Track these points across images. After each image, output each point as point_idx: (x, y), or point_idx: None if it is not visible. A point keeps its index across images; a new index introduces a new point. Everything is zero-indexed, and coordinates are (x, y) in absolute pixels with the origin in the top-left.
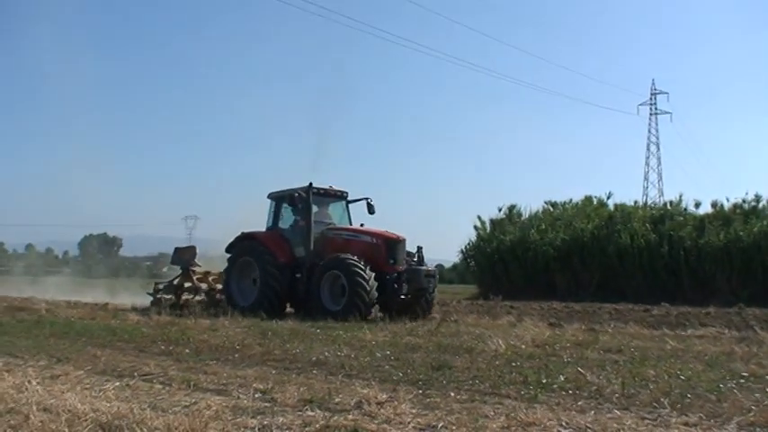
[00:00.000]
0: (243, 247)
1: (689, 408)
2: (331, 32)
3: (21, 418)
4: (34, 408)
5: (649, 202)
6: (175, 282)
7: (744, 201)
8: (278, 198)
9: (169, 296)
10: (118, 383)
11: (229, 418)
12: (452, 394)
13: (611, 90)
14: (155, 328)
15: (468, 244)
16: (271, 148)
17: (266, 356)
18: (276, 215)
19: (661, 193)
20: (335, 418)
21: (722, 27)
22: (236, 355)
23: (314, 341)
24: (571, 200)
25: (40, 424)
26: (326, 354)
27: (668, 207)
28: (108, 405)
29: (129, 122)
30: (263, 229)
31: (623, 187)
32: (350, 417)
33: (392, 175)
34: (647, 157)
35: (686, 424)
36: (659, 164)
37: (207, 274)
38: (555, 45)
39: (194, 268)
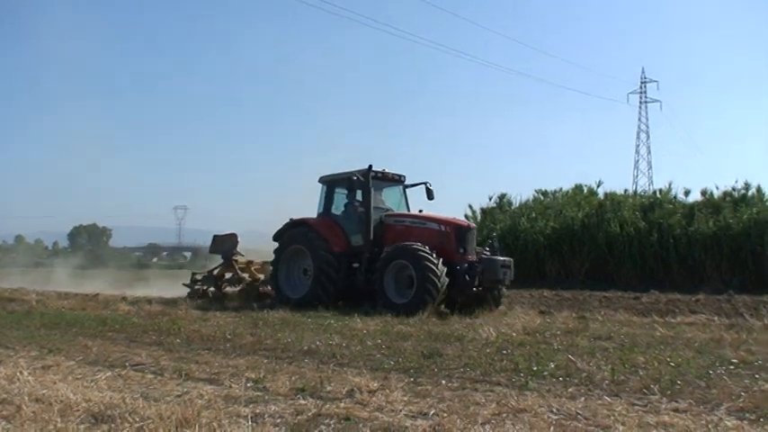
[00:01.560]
0: (293, 234)
1: (678, 394)
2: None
3: (13, 409)
4: (26, 398)
5: (639, 190)
6: (215, 272)
7: (733, 189)
8: (331, 182)
9: (209, 287)
10: (109, 373)
11: (221, 406)
12: (444, 382)
13: (601, 79)
14: (145, 318)
15: None
16: (259, 140)
17: (257, 346)
18: (328, 200)
19: (651, 181)
20: (327, 406)
21: (712, 16)
22: (228, 345)
23: (305, 330)
24: (561, 188)
25: (32, 414)
26: (318, 343)
27: (658, 195)
28: (100, 395)
29: (116, 113)
30: (312, 216)
31: (613, 175)
32: (342, 405)
33: (382, 162)
34: (637, 146)
35: (676, 410)
36: (649, 152)
37: (250, 263)
38: (546, 34)
39: (236, 257)
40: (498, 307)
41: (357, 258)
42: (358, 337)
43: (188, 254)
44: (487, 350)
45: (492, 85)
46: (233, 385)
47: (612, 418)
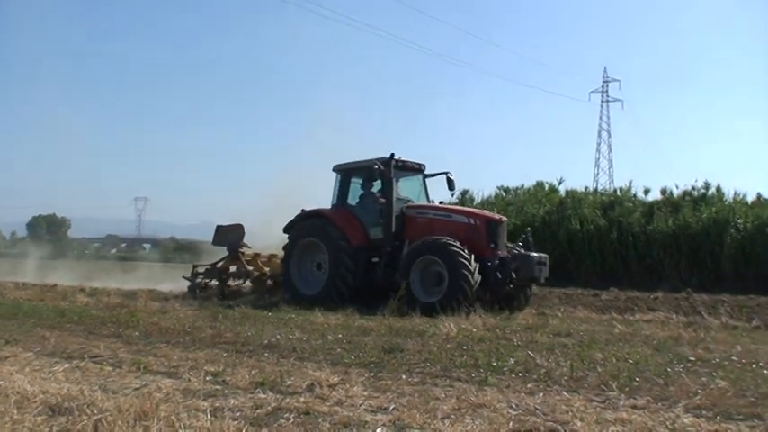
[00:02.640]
0: (306, 226)
1: (636, 391)
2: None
3: None
4: None
5: (600, 188)
6: (219, 265)
7: (693, 188)
8: (347, 171)
9: (212, 281)
10: (67, 365)
11: (180, 400)
12: (404, 377)
13: (564, 77)
14: (104, 310)
15: None
16: (224, 132)
17: (217, 339)
18: (343, 191)
19: (611, 179)
20: (287, 400)
21: (674, 17)
22: (187, 338)
23: (265, 324)
24: (523, 185)
25: None
26: (278, 337)
27: (618, 193)
28: (58, 387)
29: (75, 100)
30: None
31: (575, 173)
32: (301, 399)
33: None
34: (599, 144)
35: (634, 407)
36: (610, 150)
37: (257, 256)
38: (509, 31)
39: (243, 250)
40: (527, 306)
41: (376, 253)
42: (319, 331)
43: (147, 246)
44: (448, 345)
45: (454, 80)
46: (192, 378)
47: (571, 413)
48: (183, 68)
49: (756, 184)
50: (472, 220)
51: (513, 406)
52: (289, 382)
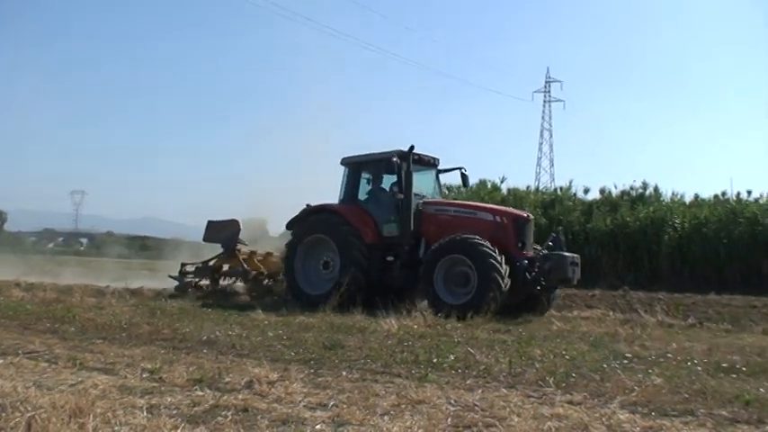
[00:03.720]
0: (312, 222)
1: (573, 387)
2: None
3: None
4: None
5: (541, 186)
6: (212, 263)
7: (631, 188)
8: (358, 164)
9: (201, 280)
10: (1, 361)
11: (116, 397)
12: (344, 373)
13: (508, 77)
14: (39, 305)
15: None
16: (163, 128)
17: (154, 336)
18: (354, 185)
19: (552, 178)
20: (225, 397)
21: (616, 20)
22: (124, 334)
23: (204, 320)
24: None
25: None
26: (217, 333)
27: (559, 192)
28: None
29: (7, 90)
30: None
31: (517, 172)
32: (240, 396)
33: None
34: (540, 143)
35: (570, 402)
36: (551, 150)
37: (253, 254)
38: (454, 31)
39: (240, 247)
40: (550, 309)
41: (390, 251)
42: (259, 327)
43: (84, 240)
44: (389, 342)
45: (397, 78)
46: (128, 375)
47: (508, 409)
48: (121, 59)
49: (694, 184)
50: (499, 218)
51: (452, 402)
52: (227, 379)
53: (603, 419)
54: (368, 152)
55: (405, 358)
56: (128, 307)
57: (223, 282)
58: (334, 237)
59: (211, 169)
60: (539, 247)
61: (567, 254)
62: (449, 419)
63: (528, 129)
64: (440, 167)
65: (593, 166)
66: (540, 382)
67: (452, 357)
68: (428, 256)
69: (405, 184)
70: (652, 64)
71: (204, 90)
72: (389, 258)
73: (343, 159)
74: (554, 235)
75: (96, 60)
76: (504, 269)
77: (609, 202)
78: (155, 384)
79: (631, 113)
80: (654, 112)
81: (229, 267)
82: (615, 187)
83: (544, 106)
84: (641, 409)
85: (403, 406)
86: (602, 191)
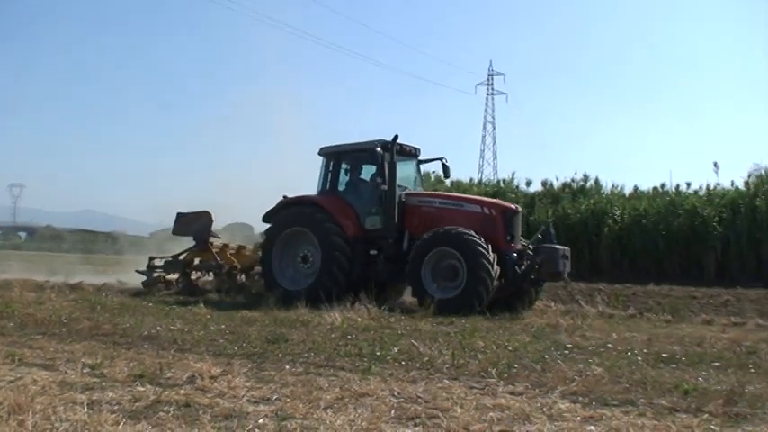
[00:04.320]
0: (291, 214)
1: (515, 377)
2: None
3: None
4: None
5: (484, 179)
6: (182, 257)
7: (572, 180)
8: (338, 154)
9: (173, 275)
10: None
11: (57, 393)
12: (287, 367)
13: (452, 69)
14: None
15: None
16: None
17: (95, 331)
18: (334, 176)
19: (495, 170)
20: (167, 392)
21: (558, 14)
22: (64, 330)
23: (145, 315)
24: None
25: None
26: (158, 328)
27: (501, 185)
28: None
29: None
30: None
31: (460, 164)
32: (182, 391)
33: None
34: (483, 136)
35: (512, 393)
36: (494, 142)
37: (225, 247)
38: (398, 23)
39: (212, 240)
40: (534, 304)
41: (373, 245)
42: (201, 322)
43: (23, 234)
44: (332, 335)
45: (342, 71)
46: (69, 371)
47: (451, 400)
48: (62, 45)
49: (633, 176)
50: (487, 210)
51: (396, 394)
52: (169, 375)
53: (545, 409)
54: (343, 143)
55: (348, 351)
56: (68, 302)
57: (200, 275)
58: (315, 230)
59: (154, 162)
60: (525, 241)
61: (558, 246)
62: (392, 411)
63: (471, 121)
64: (420, 158)
65: (536, 159)
66: (483, 374)
67: (396, 350)
68: (415, 249)
69: (389, 175)
70: (593, 58)
71: (145, 82)
72: (372, 252)
73: (322, 149)
74: (544, 227)
75: (36, 46)
76: (494, 262)
77: (551, 195)
78: (95, 380)
79: (573, 107)
80: (594, 106)
81: (202, 261)
82: (557, 180)
83: (487, 99)
84: (582, 398)
85: (346, 399)
86: (544, 183)
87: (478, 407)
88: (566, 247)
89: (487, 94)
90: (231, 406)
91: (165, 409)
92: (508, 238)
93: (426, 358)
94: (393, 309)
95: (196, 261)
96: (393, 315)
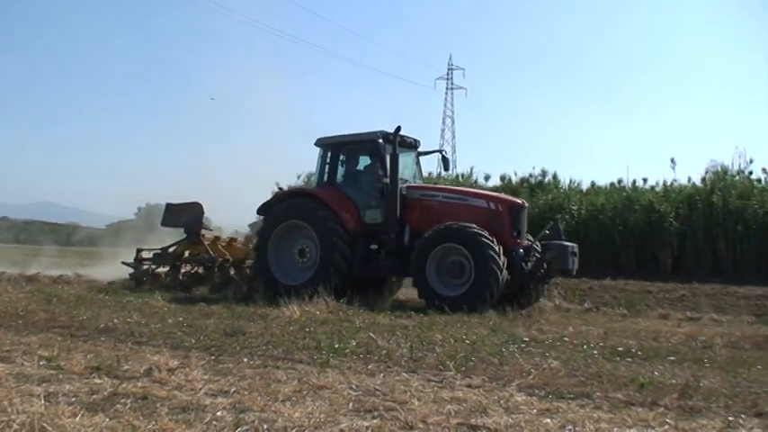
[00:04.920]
0: (288, 207)
1: (472, 370)
2: None
3: None
4: None
5: (443, 173)
6: (171, 249)
7: (531, 175)
8: (337, 145)
9: (159, 268)
10: None
11: (13, 385)
12: (245, 360)
13: (412, 63)
14: None
15: None
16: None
17: (51, 323)
18: (332, 168)
19: (454, 165)
20: (124, 385)
21: (518, 10)
22: (20, 322)
23: (102, 307)
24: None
25: None
26: (115, 321)
27: (460, 179)
28: None
29: None
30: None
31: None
32: (139, 384)
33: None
34: (443, 130)
35: (469, 386)
36: (454, 137)
37: (216, 239)
38: (358, 16)
39: (204, 232)
40: (537, 301)
41: (373, 239)
42: (158, 314)
43: None
44: (291, 328)
45: (300, 63)
46: (25, 363)
47: (409, 393)
48: (25, 36)
49: (591, 172)
50: (493, 205)
51: (354, 387)
52: (126, 367)
53: (501, 402)
54: (341, 133)
55: (307, 344)
56: (24, 294)
57: (191, 269)
58: (313, 223)
59: (111, 155)
60: (530, 237)
61: (567, 243)
62: (350, 404)
63: (431, 116)
64: (420, 150)
65: (494, 154)
66: (441, 367)
67: (354, 343)
68: (420, 244)
69: (391, 168)
70: (551, 54)
71: (102, 76)
72: (373, 247)
73: (319, 140)
74: (551, 223)
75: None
76: (503, 259)
77: (509, 189)
78: (52, 372)
79: (532, 102)
80: (553, 102)
81: (194, 254)
82: (515, 174)
83: (447, 93)
84: (538, 391)
85: (304, 392)
86: (502, 178)
87: (436, 399)
88: (574, 244)
89: (447, 89)
90: (189, 399)
91: (122, 401)
92: (514, 233)
93: (384, 351)
94: (351, 302)
95: (187, 253)
96: (351, 308)
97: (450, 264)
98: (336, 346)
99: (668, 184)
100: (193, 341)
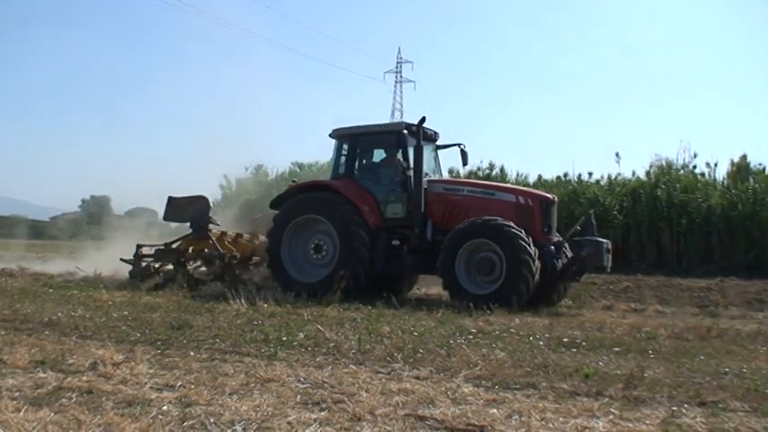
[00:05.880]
0: (305, 200)
1: (420, 362)
2: None
3: None
4: None
5: (461, 169)
6: (176, 245)
7: (479, 168)
8: (356, 136)
9: (165, 265)
10: None
11: None
12: (192, 353)
13: (361, 56)
14: None
15: (214, 202)
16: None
17: None
18: (350, 160)
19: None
20: (69, 379)
21: (469, 4)
22: None
23: (46, 301)
24: (317, 162)
25: None
26: (60, 314)
27: None
28: None
29: None
30: None
31: None
32: (84, 378)
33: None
34: None
35: (417, 377)
36: None
37: (223, 235)
38: (308, 7)
39: (211, 227)
40: (562, 299)
41: (395, 235)
42: (103, 308)
43: None
44: (238, 321)
45: (246, 54)
46: None
47: (357, 385)
48: None
49: (537, 165)
50: (522, 199)
51: (302, 379)
52: (71, 361)
53: (449, 393)
54: (359, 124)
55: (254, 337)
56: None
57: (191, 266)
58: (333, 218)
59: (53, 147)
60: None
61: (602, 240)
62: (298, 397)
63: (379, 109)
64: (438, 143)
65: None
66: (389, 358)
67: (302, 335)
68: (449, 240)
69: (415, 161)
70: (500, 48)
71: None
72: (395, 242)
73: (335, 131)
74: (584, 219)
75: None
76: (535, 255)
77: None
78: None
79: (481, 97)
80: (502, 96)
81: (199, 250)
82: (463, 167)
83: (395, 87)
84: (485, 382)
85: (252, 385)
86: (450, 171)
87: (384, 391)
88: (608, 240)
89: (396, 82)
90: (134, 393)
91: (67, 395)
92: (545, 229)
93: (333, 344)
94: (299, 294)
95: (191, 249)
96: (299, 301)
97: (479, 260)
98: (284, 338)
99: (613, 177)
100: (139, 335)
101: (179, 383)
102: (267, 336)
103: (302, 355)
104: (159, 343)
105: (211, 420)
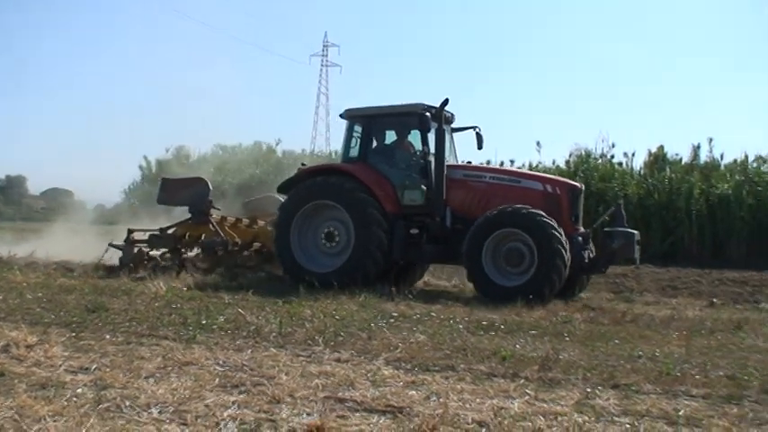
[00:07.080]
0: (316, 185)
1: (341, 345)
2: None
3: None
4: None
5: (317, 150)
6: (172, 230)
7: None
8: (372, 117)
9: (159, 252)
10: None
11: None
12: (108, 336)
13: (286, 38)
14: None
15: (133, 184)
16: None
17: None
18: (365, 143)
19: (328, 142)
20: None
21: None
22: None
23: None
24: (241, 144)
25: None
26: None
27: (333, 156)
28: None
29: None
30: None
31: (293, 135)
32: None
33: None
34: (317, 107)
35: (338, 360)
36: (328, 114)
37: (223, 220)
38: None
39: (212, 212)
40: (583, 291)
41: (413, 223)
42: (16, 290)
43: None
44: (156, 304)
45: (159, 30)
46: None
47: (277, 368)
48: None
49: (462, 154)
50: (550, 187)
51: (221, 363)
52: None
53: (369, 375)
54: (375, 105)
55: (172, 320)
56: None
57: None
58: (347, 204)
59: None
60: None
61: (632, 231)
62: (216, 380)
63: (304, 92)
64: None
65: None
66: (310, 342)
67: (222, 319)
68: (475, 229)
69: (437, 145)
70: (429, 34)
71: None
72: (413, 231)
73: (348, 111)
74: (613, 208)
75: None
76: (567, 245)
77: None
78: None
79: (404, 80)
80: (425, 82)
81: (196, 236)
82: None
83: (321, 70)
84: (405, 364)
85: (169, 368)
86: None
87: (304, 374)
88: (637, 231)
89: (322, 66)
90: (48, 375)
91: None
92: (573, 219)
93: (253, 327)
94: (223, 276)
95: (188, 235)
96: (221, 284)
97: (507, 251)
98: (204, 322)
99: (534, 166)
100: (53, 317)
101: (94, 366)
102: (186, 319)
103: (222, 338)
104: (74, 325)
105: (127, 403)
